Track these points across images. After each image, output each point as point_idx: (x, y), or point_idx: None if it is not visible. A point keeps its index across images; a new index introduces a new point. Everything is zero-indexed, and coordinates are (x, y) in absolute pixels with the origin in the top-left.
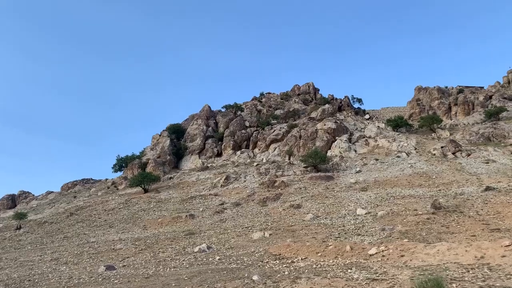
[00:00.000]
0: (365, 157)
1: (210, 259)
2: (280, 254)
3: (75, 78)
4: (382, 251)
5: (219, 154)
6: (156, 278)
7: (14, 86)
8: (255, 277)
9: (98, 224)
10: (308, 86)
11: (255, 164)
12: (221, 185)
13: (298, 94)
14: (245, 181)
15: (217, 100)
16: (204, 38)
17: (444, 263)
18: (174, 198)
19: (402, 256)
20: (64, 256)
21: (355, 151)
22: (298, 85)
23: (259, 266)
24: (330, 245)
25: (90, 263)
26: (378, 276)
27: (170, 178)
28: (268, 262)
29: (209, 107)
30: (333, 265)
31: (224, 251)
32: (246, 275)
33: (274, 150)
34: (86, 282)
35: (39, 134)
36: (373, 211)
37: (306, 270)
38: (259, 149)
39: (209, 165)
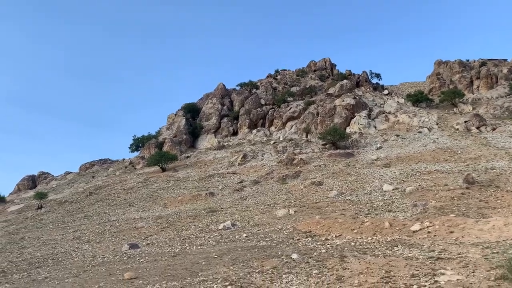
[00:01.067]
0: (385, 133)
1: (237, 236)
2: (310, 231)
3: (87, 60)
4: (427, 227)
5: (235, 133)
6: (183, 257)
7: (28, 69)
8: (294, 256)
9: (117, 203)
10: (325, 62)
11: (272, 142)
12: (239, 164)
13: (314, 70)
14: (262, 159)
15: (231, 79)
16: (215, 21)
17: (504, 240)
18: (193, 176)
19: (452, 232)
20: (86, 235)
21: (375, 127)
22: (314, 61)
23: (290, 243)
24: (366, 222)
25: (112, 242)
26: (438, 255)
27: (187, 157)
28: (299, 239)
29: (223, 85)
30: (373, 242)
31: (250, 228)
32: (279, 253)
33: (291, 128)
34: (111, 261)
35: (54, 117)
36: (401, 187)
37: (346, 248)
38: (275, 127)
39: (225, 144)
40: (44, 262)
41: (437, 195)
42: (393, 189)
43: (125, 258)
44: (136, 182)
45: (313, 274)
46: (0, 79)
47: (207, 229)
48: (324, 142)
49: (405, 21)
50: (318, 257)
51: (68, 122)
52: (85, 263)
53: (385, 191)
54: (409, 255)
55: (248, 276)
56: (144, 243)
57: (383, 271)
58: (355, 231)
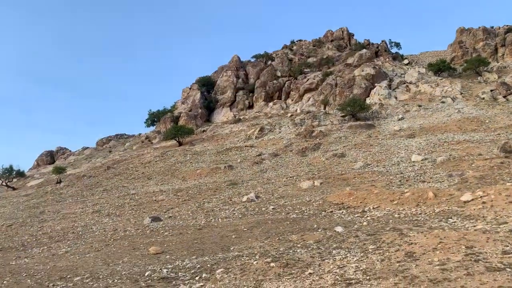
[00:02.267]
0: (406, 104)
1: (263, 208)
2: (342, 203)
3: (100, 35)
4: (481, 197)
5: (250, 106)
6: (210, 230)
7: (41, 45)
8: (338, 229)
9: (136, 176)
10: (342, 31)
11: (289, 115)
12: (256, 137)
13: (331, 41)
14: (280, 132)
15: (245, 51)
16: None
17: None
18: (210, 150)
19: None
20: (106, 208)
21: (396, 97)
22: (331, 31)
23: (324, 216)
24: (406, 192)
25: (133, 215)
26: None
27: (203, 131)
28: (332, 211)
29: (238, 57)
30: (420, 214)
31: (276, 201)
32: (315, 226)
33: (308, 100)
34: (133, 234)
35: (68, 92)
36: (430, 157)
37: (390, 220)
38: (292, 100)
39: (241, 117)
40: (64, 235)
41: (473, 165)
42: (422, 160)
43: (148, 231)
44: (153, 156)
45: (370, 250)
46: (12, 54)
47: (230, 202)
48: (343, 114)
49: None
50: (368, 230)
51: (82, 98)
52: (107, 236)
53: (414, 161)
54: (478, 227)
55: (290, 251)
56: (165, 216)
57: (463, 247)
58: (395, 202)
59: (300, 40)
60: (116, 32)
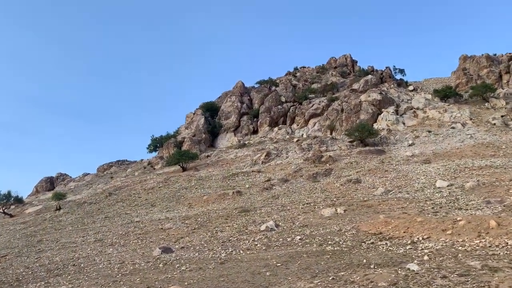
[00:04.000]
0: (415, 130)
1: (288, 239)
2: (381, 233)
3: (102, 62)
4: None
5: (255, 131)
6: (235, 264)
7: (44, 70)
8: (413, 267)
9: (139, 203)
10: (345, 58)
11: (295, 140)
12: (262, 162)
13: (335, 67)
14: (287, 157)
15: (249, 78)
16: (231, 22)
17: None
18: (215, 175)
19: None
20: (109, 237)
21: (404, 123)
22: (335, 58)
23: (367, 248)
24: (460, 220)
25: (139, 245)
26: None
27: (208, 156)
28: (374, 242)
29: (242, 83)
30: (490, 246)
31: (300, 230)
32: (364, 261)
33: (314, 125)
34: (144, 268)
35: (68, 118)
36: (456, 183)
37: (460, 254)
38: (297, 125)
39: (246, 142)
40: (64, 268)
41: (510, 191)
42: (448, 185)
43: (160, 265)
44: (156, 182)
45: None
46: (15, 79)
47: (246, 231)
48: (351, 139)
49: (424, 16)
50: (451, 269)
51: (83, 124)
52: (113, 271)
53: (439, 187)
54: None
55: None
56: (177, 246)
57: None
58: (449, 232)
59: (303, 67)
60: (117, 58)
